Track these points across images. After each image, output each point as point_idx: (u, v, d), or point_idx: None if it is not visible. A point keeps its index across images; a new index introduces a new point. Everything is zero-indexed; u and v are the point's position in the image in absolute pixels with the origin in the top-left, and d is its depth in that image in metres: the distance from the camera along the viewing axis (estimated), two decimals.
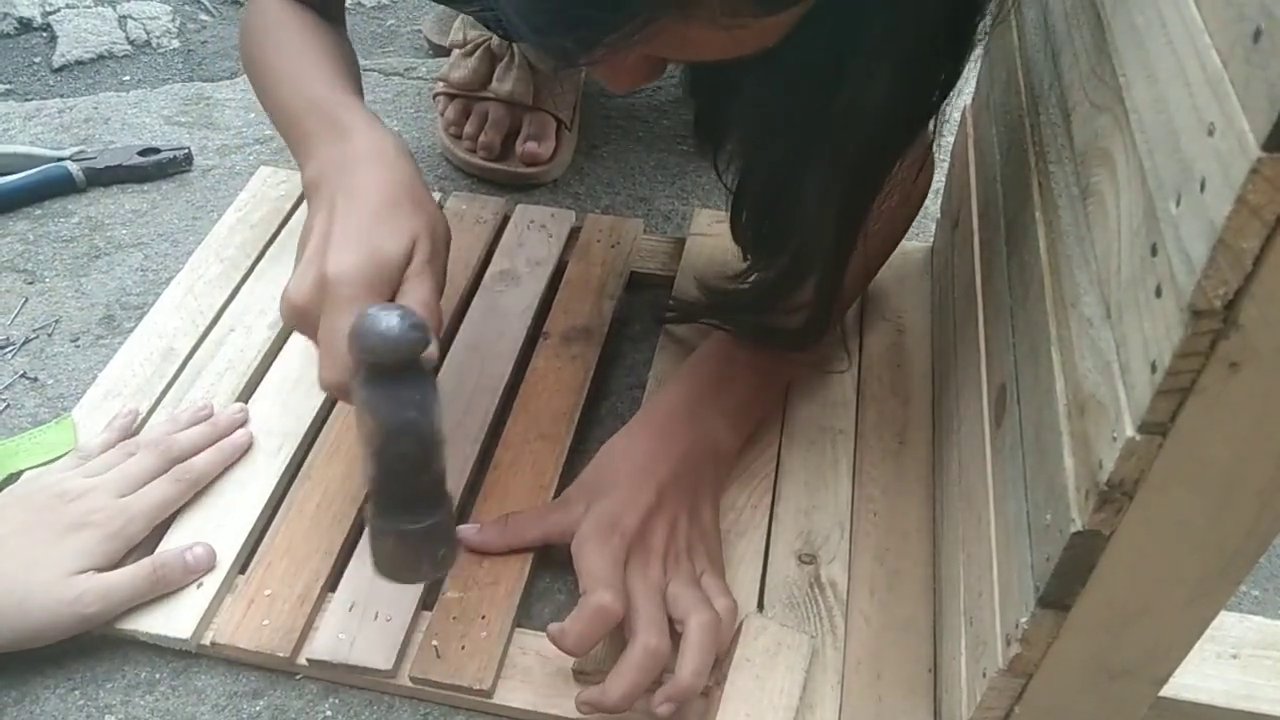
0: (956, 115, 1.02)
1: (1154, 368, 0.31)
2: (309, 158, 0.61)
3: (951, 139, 0.97)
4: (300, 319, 0.54)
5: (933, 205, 0.92)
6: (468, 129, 0.95)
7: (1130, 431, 0.32)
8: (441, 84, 0.97)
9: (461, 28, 0.98)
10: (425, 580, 0.54)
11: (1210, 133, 0.28)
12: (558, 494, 0.67)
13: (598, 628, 0.54)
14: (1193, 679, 0.47)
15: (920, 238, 0.88)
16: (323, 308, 0.53)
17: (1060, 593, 0.38)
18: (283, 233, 0.85)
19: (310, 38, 0.68)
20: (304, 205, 0.86)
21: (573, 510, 0.61)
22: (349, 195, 0.56)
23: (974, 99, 0.74)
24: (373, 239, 0.54)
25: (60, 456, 0.68)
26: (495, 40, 0.94)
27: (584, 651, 0.55)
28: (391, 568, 0.52)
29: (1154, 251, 0.32)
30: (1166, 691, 0.43)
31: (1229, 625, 0.49)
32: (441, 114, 0.97)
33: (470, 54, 0.95)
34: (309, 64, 0.66)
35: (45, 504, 0.61)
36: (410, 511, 0.51)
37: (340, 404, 0.72)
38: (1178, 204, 0.30)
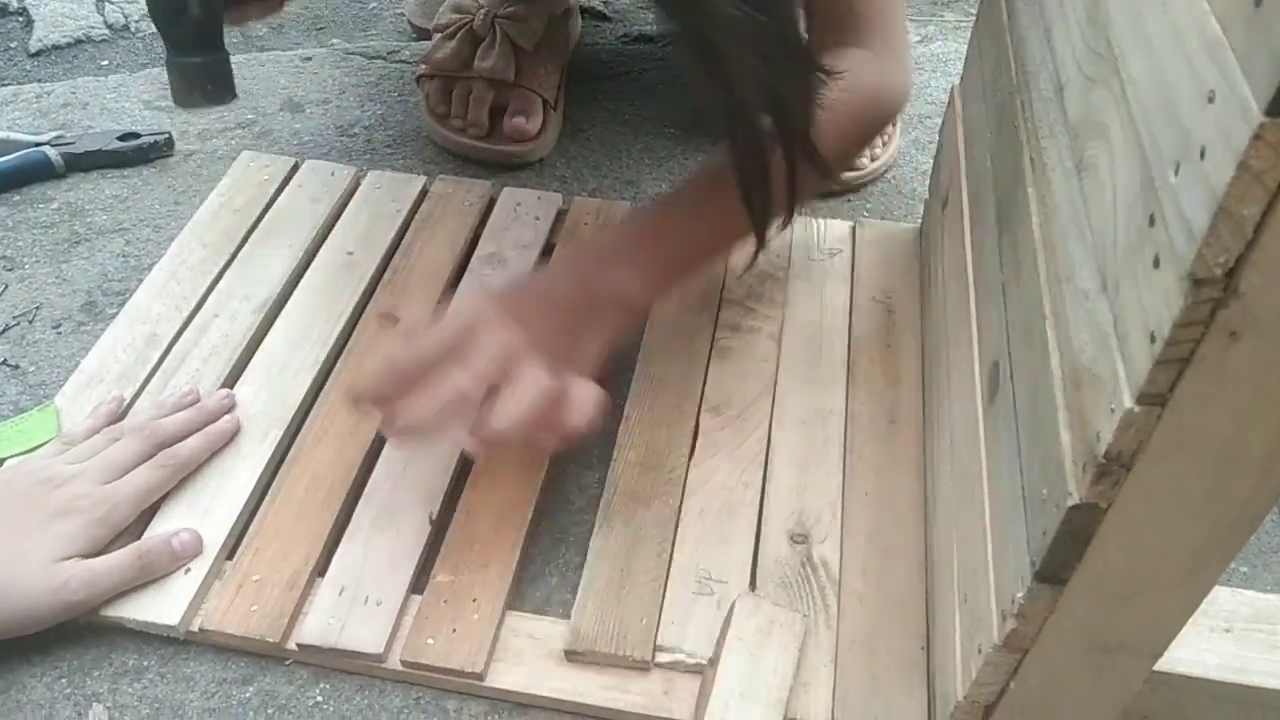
0: (944, 96, 1.02)
1: (1153, 338, 0.31)
2: None
3: (939, 120, 0.98)
4: None
5: (921, 186, 0.92)
6: (453, 108, 0.94)
7: (1129, 403, 0.32)
8: (424, 66, 0.96)
9: (445, 11, 0.97)
10: (203, 107, 0.72)
11: (1210, 100, 0.28)
12: (548, 475, 0.67)
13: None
14: (1186, 653, 0.47)
15: (909, 219, 0.88)
16: None
17: (1057, 567, 0.38)
18: (266, 218, 0.84)
19: None
20: (287, 188, 0.86)
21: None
22: None
23: (962, 79, 0.74)
24: None
25: (43, 444, 0.67)
26: (477, 21, 0.93)
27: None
28: (175, 97, 0.69)
29: (1151, 222, 0.32)
30: (1161, 665, 0.43)
31: (1221, 599, 0.49)
32: (426, 96, 0.96)
33: (451, 36, 0.94)
34: None
35: (28, 490, 0.60)
36: (180, 51, 0.67)
37: (326, 388, 0.71)
38: (1176, 173, 0.30)
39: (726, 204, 0.65)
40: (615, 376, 0.75)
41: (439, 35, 0.96)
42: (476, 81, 0.93)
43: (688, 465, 0.67)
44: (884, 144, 0.93)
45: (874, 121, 0.80)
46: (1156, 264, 0.31)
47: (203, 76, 0.71)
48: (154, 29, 1.14)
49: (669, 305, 0.77)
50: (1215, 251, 0.28)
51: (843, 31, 0.75)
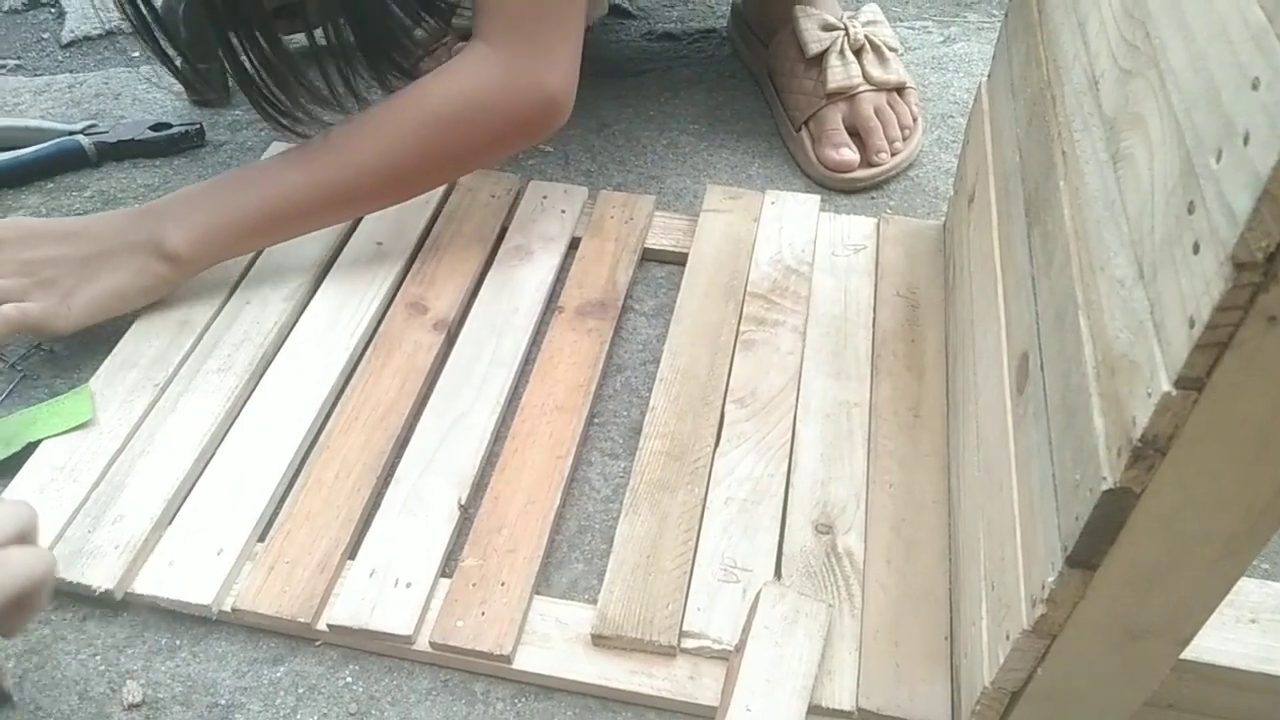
0: (966, 96, 1.02)
1: (1192, 323, 0.31)
2: None
3: (962, 119, 0.98)
4: None
5: (944, 183, 0.92)
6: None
7: (1166, 386, 0.32)
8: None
9: None
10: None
11: (1255, 87, 0.29)
12: (575, 463, 0.68)
13: None
14: (1212, 642, 0.47)
15: (932, 216, 0.89)
16: None
17: (1089, 551, 0.39)
18: None
19: None
20: None
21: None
22: None
23: (990, 76, 0.74)
24: None
25: (78, 426, 0.68)
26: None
27: None
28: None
29: (1191, 209, 0.33)
30: (1186, 654, 0.43)
31: (1248, 590, 0.49)
32: None
33: None
34: None
35: None
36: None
37: (356, 376, 0.72)
38: (1218, 159, 0.31)
39: (284, 177, 0.73)
40: (639, 368, 0.76)
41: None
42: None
43: (713, 456, 0.67)
44: (904, 139, 0.93)
45: (476, 118, 0.74)
46: (1196, 250, 0.32)
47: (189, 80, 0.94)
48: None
49: (694, 298, 0.77)
50: (1258, 235, 0.28)
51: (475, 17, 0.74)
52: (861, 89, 0.92)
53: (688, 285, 0.79)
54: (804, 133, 0.93)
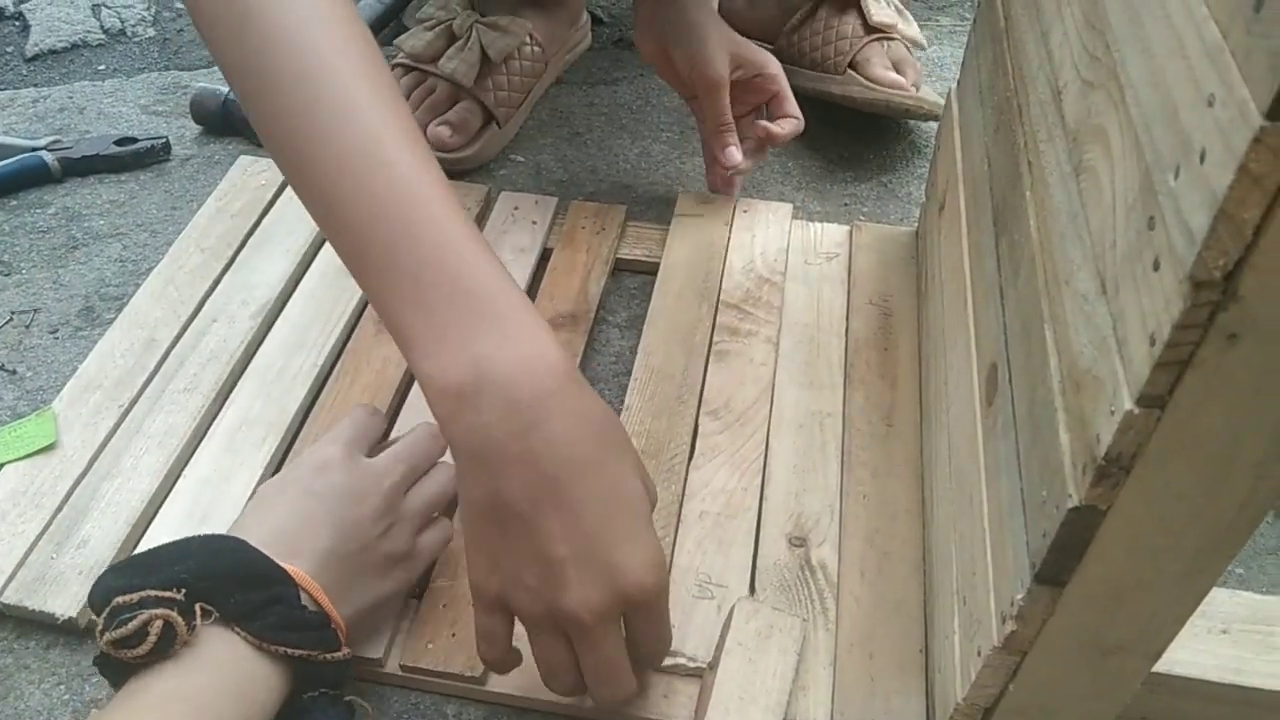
0: (940, 100, 1.02)
1: (1152, 340, 0.31)
2: (441, 345, 0.48)
3: (935, 125, 0.98)
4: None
5: (916, 190, 0.92)
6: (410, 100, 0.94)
7: (1128, 405, 0.32)
8: (400, 54, 0.96)
9: (430, 7, 0.97)
10: None
11: (1210, 104, 0.28)
12: None
13: None
14: (1184, 654, 0.47)
15: (905, 223, 0.89)
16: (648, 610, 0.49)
17: (1056, 569, 0.38)
18: (263, 223, 0.84)
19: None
20: (284, 193, 0.86)
21: None
22: (573, 470, 0.46)
23: (959, 83, 0.74)
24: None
25: (40, 450, 0.67)
26: (458, 21, 0.93)
27: None
28: None
29: (1151, 225, 0.32)
30: (1158, 667, 0.43)
31: (1219, 601, 0.49)
32: None
33: (430, 29, 0.94)
34: (373, 118, 0.48)
35: None
36: None
37: (324, 394, 0.71)
38: (1176, 176, 0.30)
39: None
40: (612, 380, 0.76)
41: (419, 25, 0.96)
42: (441, 82, 0.93)
43: (687, 468, 0.67)
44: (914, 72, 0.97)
45: None
46: (1156, 267, 0.31)
47: None
48: (151, 35, 1.15)
49: (667, 301, 0.77)
50: (1215, 254, 0.28)
51: None
52: (896, 35, 0.96)
53: (660, 290, 0.78)
54: (851, 72, 0.96)
